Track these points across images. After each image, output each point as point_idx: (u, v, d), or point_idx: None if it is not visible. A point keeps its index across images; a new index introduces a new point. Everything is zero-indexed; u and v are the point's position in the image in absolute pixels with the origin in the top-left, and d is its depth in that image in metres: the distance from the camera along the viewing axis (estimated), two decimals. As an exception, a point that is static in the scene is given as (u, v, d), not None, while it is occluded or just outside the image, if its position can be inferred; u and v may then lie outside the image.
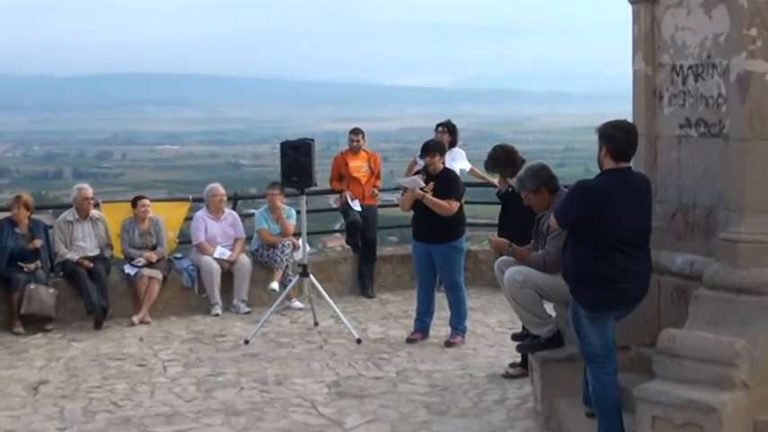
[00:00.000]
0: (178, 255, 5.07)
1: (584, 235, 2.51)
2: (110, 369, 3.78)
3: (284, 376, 3.62)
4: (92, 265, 4.63)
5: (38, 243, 4.56)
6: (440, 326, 4.19)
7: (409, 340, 4.10)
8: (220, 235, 4.99)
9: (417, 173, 4.18)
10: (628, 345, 2.79)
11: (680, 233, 2.85)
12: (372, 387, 3.44)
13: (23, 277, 4.44)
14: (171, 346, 4.15)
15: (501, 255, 3.16)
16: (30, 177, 25.21)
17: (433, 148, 4.05)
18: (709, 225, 2.74)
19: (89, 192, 4.84)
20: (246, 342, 4.13)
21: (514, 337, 3.29)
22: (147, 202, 4.92)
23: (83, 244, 4.73)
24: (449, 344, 4.00)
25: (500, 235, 3.34)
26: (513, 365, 3.56)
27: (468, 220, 4.53)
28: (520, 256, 3.03)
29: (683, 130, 2.84)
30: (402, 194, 4.16)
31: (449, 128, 5.03)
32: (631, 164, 2.61)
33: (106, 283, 4.62)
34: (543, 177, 3.03)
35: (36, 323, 4.44)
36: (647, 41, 2.93)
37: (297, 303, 4.80)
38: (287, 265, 4.90)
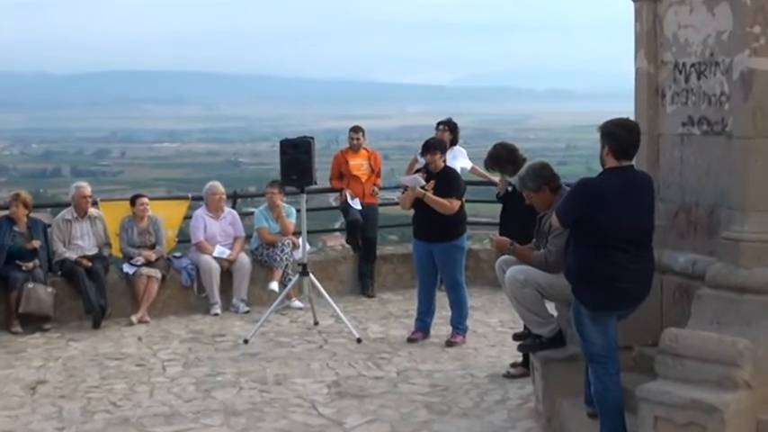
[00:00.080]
0: (177, 254, 5.05)
1: (587, 234, 2.50)
2: (108, 369, 3.76)
3: (284, 376, 3.61)
4: (90, 264, 4.61)
5: (36, 244, 4.55)
6: (441, 325, 4.18)
7: (410, 340, 4.09)
8: (220, 234, 4.98)
9: (418, 171, 4.17)
10: (630, 344, 2.77)
11: (682, 232, 2.83)
12: (373, 387, 3.43)
13: (21, 276, 4.43)
14: (170, 346, 4.14)
15: (502, 254, 3.15)
16: (27, 175, 25.15)
17: (433, 147, 4.04)
18: (711, 224, 2.73)
19: (87, 190, 4.82)
20: (246, 342, 4.12)
21: (516, 336, 3.27)
22: (145, 200, 4.90)
23: (81, 243, 4.71)
24: (450, 343, 3.99)
25: (501, 234, 3.33)
26: (514, 365, 3.55)
27: (470, 219, 4.51)
28: (521, 255, 3.02)
29: (686, 129, 2.83)
30: (402, 193, 4.14)
31: (450, 126, 5.01)
32: (634, 162, 2.59)
33: (105, 282, 4.60)
34: (545, 176, 3.02)
35: (34, 322, 4.42)
36: (650, 39, 2.91)
37: (297, 303, 4.79)
38: (287, 265, 4.88)
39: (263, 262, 4.95)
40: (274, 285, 4.76)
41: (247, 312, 4.74)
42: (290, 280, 4.66)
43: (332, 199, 6.23)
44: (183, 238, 5.16)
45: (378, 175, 5.30)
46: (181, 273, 4.84)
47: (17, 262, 4.47)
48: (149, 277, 4.66)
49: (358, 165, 5.22)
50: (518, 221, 3.29)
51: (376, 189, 5.23)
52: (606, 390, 2.52)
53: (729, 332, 2.39)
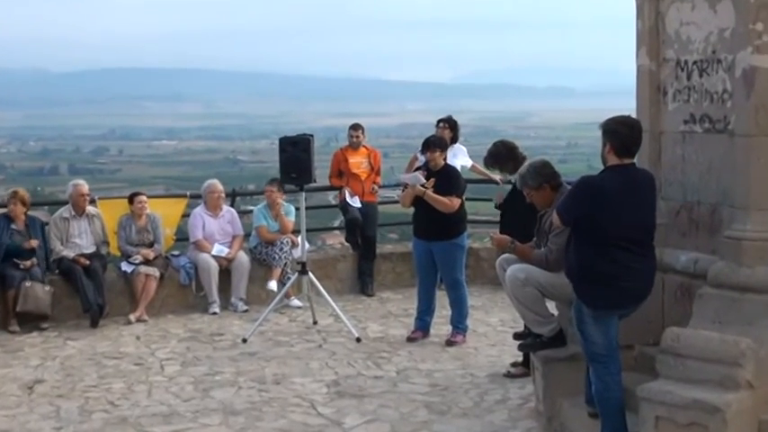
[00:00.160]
0: (175, 252, 5.04)
1: (588, 232, 2.49)
2: (106, 368, 3.75)
3: (283, 375, 3.59)
4: (88, 262, 4.58)
5: (34, 243, 4.52)
6: (441, 324, 4.16)
7: (409, 339, 4.07)
8: (218, 232, 4.95)
9: (418, 169, 4.15)
10: (631, 344, 2.76)
11: (684, 231, 2.82)
12: (372, 386, 3.42)
13: (19, 274, 4.40)
14: (168, 345, 4.12)
15: (503, 252, 3.13)
16: (25, 173, 25.15)
17: (434, 144, 4.01)
18: (713, 222, 2.71)
19: (85, 188, 4.79)
20: (244, 341, 4.10)
21: (516, 335, 3.26)
22: (144, 198, 4.87)
23: (79, 241, 4.69)
24: (450, 343, 3.98)
25: (502, 232, 3.31)
26: (514, 365, 3.54)
27: (470, 217, 4.47)
28: (522, 253, 3.00)
29: (688, 126, 2.81)
30: (402, 191, 4.12)
31: (450, 123, 4.99)
32: (635, 160, 2.58)
33: (102, 280, 4.58)
34: (545, 174, 3.00)
35: (31, 321, 4.40)
36: (652, 36, 2.89)
37: (296, 302, 4.77)
38: (286, 263, 4.86)
39: (262, 260, 4.93)
40: (273, 284, 4.74)
41: (246, 311, 4.72)
42: (288, 279, 4.64)
43: (331, 197, 6.21)
44: (182, 237, 5.14)
45: (377, 173, 5.28)
46: (179, 271, 4.82)
47: (15, 260, 4.45)
48: (147, 276, 4.64)
49: (357, 163, 5.20)
50: (519, 220, 3.27)
51: (375, 187, 5.20)
52: (607, 389, 2.51)
53: (731, 332, 2.38)
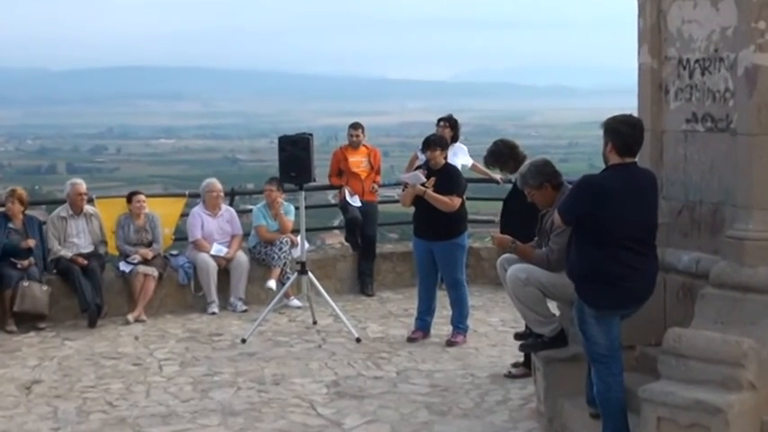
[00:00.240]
0: (174, 252, 5.01)
1: (589, 232, 2.47)
2: (104, 368, 3.73)
3: (282, 376, 3.57)
4: (86, 262, 4.56)
5: (31, 243, 4.49)
6: (441, 325, 4.14)
7: (410, 339, 4.06)
8: (217, 231, 4.93)
9: (418, 168, 4.13)
10: (633, 344, 2.75)
11: (686, 230, 2.80)
12: (372, 387, 3.40)
13: (16, 274, 4.38)
14: (167, 345, 4.10)
15: (504, 252, 3.11)
16: (22, 172, 25.06)
17: (434, 143, 4.00)
18: (715, 222, 2.70)
19: (83, 187, 4.76)
20: (243, 341, 4.08)
21: (517, 336, 3.24)
22: (142, 197, 4.85)
23: (77, 240, 4.66)
24: (450, 343, 3.96)
25: (503, 232, 3.29)
26: (515, 365, 3.52)
27: (470, 217, 4.45)
28: (523, 253, 2.98)
29: (690, 125, 2.80)
30: (403, 190, 4.11)
31: (450, 122, 4.96)
32: (637, 159, 2.56)
33: (101, 280, 4.56)
34: (546, 173, 2.98)
35: (29, 321, 4.38)
36: (653, 34, 2.88)
37: (295, 302, 4.76)
38: (285, 263, 4.84)
39: (261, 260, 4.91)
40: (272, 283, 4.72)
41: (245, 311, 4.70)
42: (288, 278, 4.62)
43: (331, 196, 6.19)
44: (180, 236, 5.12)
45: (377, 173, 5.26)
46: (178, 271, 4.80)
47: (12, 260, 4.42)
48: (146, 275, 4.62)
49: (357, 162, 5.18)
50: (520, 219, 3.25)
51: (375, 186, 5.18)
52: (609, 390, 2.50)
53: (733, 332, 2.37)
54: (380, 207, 5.36)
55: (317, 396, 3.31)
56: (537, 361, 3.02)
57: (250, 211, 5.25)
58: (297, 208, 4.67)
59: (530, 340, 3.05)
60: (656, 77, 2.88)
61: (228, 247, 4.89)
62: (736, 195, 2.57)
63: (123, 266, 4.67)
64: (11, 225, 4.54)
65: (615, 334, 2.51)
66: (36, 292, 4.37)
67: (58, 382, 3.54)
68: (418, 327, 4.10)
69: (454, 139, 4.93)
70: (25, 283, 4.35)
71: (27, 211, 4.65)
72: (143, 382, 3.52)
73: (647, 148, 2.74)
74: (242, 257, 4.87)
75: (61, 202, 4.85)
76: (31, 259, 4.46)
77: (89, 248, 4.67)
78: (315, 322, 4.39)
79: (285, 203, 4.98)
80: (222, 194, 5.04)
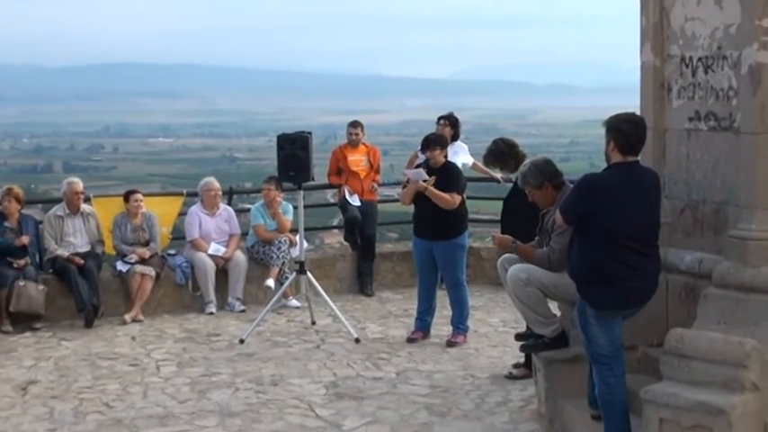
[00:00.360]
0: (171, 251, 4.98)
1: (591, 231, 2.46)
2: (101, 369, 3.70)
3: (280, 377, 3.55)
4: (82, 261, 4.53)
5: (25, 240, 4.46)
6: (441, 325, 4.12)
7: (409, 340, 4.03)
8: (215, 231, 4.90)
9: (419, 166, 4.09)
10: (634, 345, 2.73)
11: (689, 230, 2.79)
12: (371, 388, 3.38)
13: (12, 273, 4.35)
14: (164, 346, 4.07)
15: (504, 252, 3.10)
16: (18, 171, 25.00)
17: (434, 142, 3.97)
18: (718, 222, 2.68)
19: (79, 186, 4.73)
20: (241, 341, 4.05)
21: (518, 336, 3.22)
22: (139, 196, 4.82)
23: (73, 240, 4.63)
24: (450, 344, 3.94)
25: (503, 231, 3.27)
26: (516, 366, 3.51)
27: (471, 216, 4.42)
28: (524, 253, 2.97)
29: (693, 124, 2.78)
30: (403, 188, 4.08)
31: (451, 121, 4.93)
32: (639, 158, 2.53)
33: (97, 280, 4.53)
34: (547, 172, 2.97)
35: (25, 321, 4.35)
36: (656, 32, 2.86)
37: (293, 302, 4.73)
38: (283, 262, 4.82)
39: (260, 260, 4.88)
40: (271, 282, 4.69)
41: (243, 311, 4.68)
42: (286, 278, 4.59)
43: (330, 195, 6.16)
44: (178, 236, 5.09)
45: (377, 172, 5.23)
46: (175, 271, 4.76)
47: (8, 259, 4.39)
48: (143, 275, 4.59)
49: (357, 160, 5.15)
50: (520, 219, 3.23)
51: (375, 185, 5.16)
52: (611, 391, 2.48)
53: (736, 333, 2.35)
54: (380, 206, 5.34)
55: (316, 397, 3.29)
56: (538, 362, 3.00)
57: (248, 210, 5.22)
58: (295, 207, 4.63)
59: (531, 341, 3.03)
60: (658, 75, 2.86)
61: (226, 246, 4.86)
62: (740, 195, 2.56)
63: (120, 266, 4.64)
64: (6, 224, 4.51)
65: (617, 334, 2.49)
66: (32, 291, 4.34)
67: (55, 382, 3.52)
68: (418, 327, 4.08)
69: (455, 137, 4.91)
70: (21, 283, 4.32)
71: (23, 210, 4.62)
72: (140, 383, 3.49)
73: (649, 147, 2.71)
74: (240, 257, 4.85)
75: (58, 201, 4.82)
76: (27, 259, 4.44)
77: (86, 248, 4.64)
78: (313, 322, 4.37)
79: (284, 203, 4.95)
80: (220, 193, 5.02)
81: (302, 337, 4.17)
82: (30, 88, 68.33)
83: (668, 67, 2.84)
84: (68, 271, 4.47)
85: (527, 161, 3.22)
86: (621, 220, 2.41)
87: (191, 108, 58.74)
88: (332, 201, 5.81)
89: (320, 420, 3.05)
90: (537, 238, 3.01)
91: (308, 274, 4.27)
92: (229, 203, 5.21)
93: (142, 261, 4.63)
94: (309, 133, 4.19)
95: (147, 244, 4.74)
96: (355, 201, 5.08)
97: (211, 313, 4.66)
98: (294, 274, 4.39)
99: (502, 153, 3.53)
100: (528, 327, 3.08)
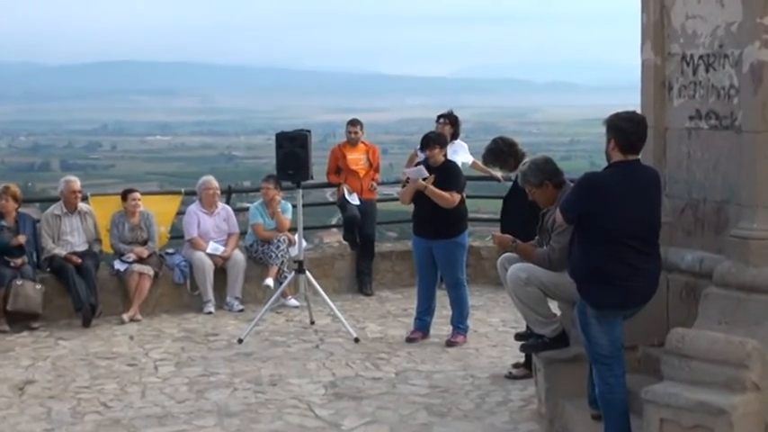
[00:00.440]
0: (170, 250, 4.96)
1: (591, 230, 2.45)
2: (99, 369, 3.69)
3: (279, 376, 3.54)
4: (80, 260, 4.51)
5: (21, 239, 4.44)
6: (441, 325, 4.10)
7: (409, 340, 4.02)
8: (213, 230, 4.88)
9: (418, 165, 4.07)
10: (635, 345, 2.72)
11: (689, 229, 2.77)
12: (371, 388, 3.37)
13: (9, 273, 4.32)
14: (162, 345, 4.05)
15: (504, 251, 3.08)
16: (15, 169, 24.95)
17: (433, 141, 3.96)
18: (719, 221, 2.67)
19: (77, 184, 4.71)
20: (240, 341, 4.04)
21: (518, 336, 3.21)
22: (137, 195, 4.80)
23: (71, 239, 4.61)
24: (450, 343, 3.92)
25: (503, 231, 3.26)
26: (516, 366, 3.49)
27: (471, 215, 4.40)
28: (524, 252, 2.95)
29: (694, 123, 2.76)
30: (402, 187, 4.06)
31: (450, 119, 4.91)
32: (640, 157, 2.52)
33: (95, 279, 4.51)
34: (548, 171, 2.95)
35: (22, 320, 4.33)
36: (657, 30, 2.84)
37: (292, 301, 4.71)
38: (282, 262, 4.80)
39: (258, 259, 4.87)
40: (270, 281, 4.68)
41: (241, 311, 4.66)
42: (285, 278, 4.58)
43: (329, 194, 6.15)
44: (176, 235, 5.08)
45: (376, 170, 5.21)
46: (173, 270, 4.75)
47: (5, 258, 4.36)
48: (141, 274, 4.57)
49: (356, 159, 5.13)
50: (520, 218, 3.21)
51: (374, 184, 5.14)
52: (611, 391, 2.47)
53: (737, 332, 2.34)
54: (379, 205, 5.32)
55: (315, 397, 3.27)
56: (538, 362, 2.98)
57: (247, 209, 5.19)
58: (294, 206, 4.60)
59: (531, 341, 3.02)
60: (659, 74, 2.84)
61: (225, 245, 4.85)
62: (741, 194, 2.55)
63: (118, 265, 4.62)
64: (3, 222, 4.48)
65: (617, 334, 2.48)
66: (29, 290, 4.31)
67: (52, 382, 3.50)
68: (417, 327, 4.06)
69: (454, 136, 4.89)
70: (18, 282, 4.30)
71: (20, 209, 4.59)
72: (138, 383, 3.47)
73: (650, 146, 2.70)
74: (239, 256, 4.83)
75: (55, 199, 4.80)
76: (25, 258, 4.41)
77: (83, 247, 4.62)
78: (312, 322, 4.35)
79: (282, 201, 4.93)
80: (219, 192, 5.00)
81: (301, 337, 4.16)
82: (28, 86, 68.17)
83: (669, 65, 2.83)
84: (66, 270, 4.45)
85: (527, 160, 3.21)
86: (622, 219, 2.40)
87: (189, 106, 58.66)
88: (331, 199, 5.78)
89: (319, 420, 3.04)
90: (537, 237, 3.00)
91: (307, 273, 4.25)
92: (228, 202, 5.20)
93: (140, 260, 4.61)
94: (308, 131, 4.17)
95: (145, 243, 4.72)
96: (354, 199, 5.06)
97: (210, 313, 4.64)
98: (293, 273, 4.37)
99: (501, 152, 3.51)
100: (528, 326, 3.07)
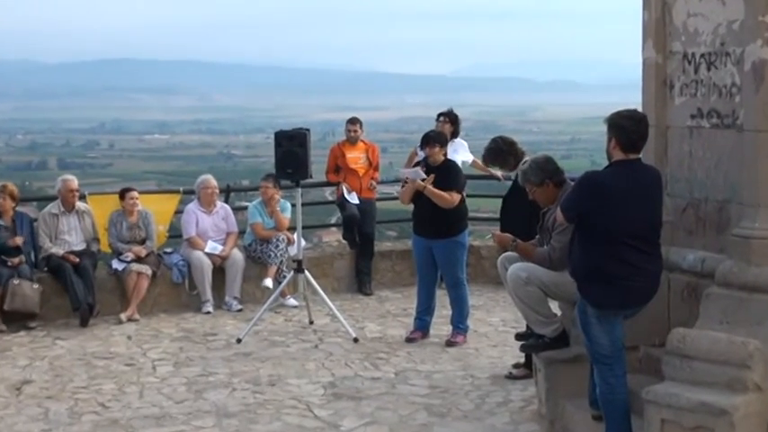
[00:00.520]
0: (168, 249, 4.95)
1: (592, 230, 2.43)
2: (96, 368, 3.67)
3: (278, 377, 3.52)
4: (78, 259, 4.49)
5: (18, 240, 4.41)
6: (440, 324, 4.09)
7: (408, 339, 4.00)
8: (212, 229, 4.86)
9: (417, 164, 4.06)
10: (636, 345, 2.71)
11: (691, 228, 2.76)
12: (370, 388, 3.35)
13: (6, 272, 4.30)
14: (160, 345, 4.04)
15: (504, 250, 3.07)
16: (12, 168, 24.80)
17: (433, 139, 3.94)
18: (721, 220, 2.66)
19: (74, 183, 4.69)
20: (239, 341, 4.02)
21: (518, 336, 3.20)
22: (135, 194, 4.78)
23: (68, 238, 4.59)
24: (450, 343, 3.91)
25: (503, 230, 3.24)
26: (516, 366, 3.48)
27: (471, 215, 4.37)
28: (524, 251, 2.94)
29: (695, 121, 2.75)
30: (402, 187, 4.04)
31: (450, 118, 4.89)
32: (641, 155, 2.51)
33: (93, 278, 4.48)
34: (548, 170, 2.94)
35: (19, 320, 4.31)
36: (658, 28, 2.83)
37: (291, 301, 4.70)
38: (281, 261, 4.79)
39: (257, 258, 4.85)
40: (269, 281, 4.66)
41: (240, 311, 4.64)
42: (284, 277, 4.56)
43: (328, 193, 6.14)
44: (175, 234, 5.06)
45: (376, 169, 5.19)
46: (172, 269, 4.73)
47: (2, 257, 4.34)
48: (139, 274, 4.55)
49: (355, 158, 5.11)
50: (521, 217, 3.20)
51: (374, 183, 5.12)
52: (612, 392, 2.46)
53: (739, 332, 2.34)
54: (379, 204, 5.30)
55: (314, 397, 3.26)
56: (538, 362, 2.97)
57: (246, 208, 5.17)
58: (293, 205, 4.59)
59: (531, 341, 3.01)
60: (660, 72, 2.83)
61: (224, 244, 4.83)
62: (743, 193, 2.54)
63: (116, 264, 4.60)
64: (0, 222, 4.46)
65: (618, 334, 2.47)
66: (26, 290, 4.29)
67: (49, 382, 3.48)
68: (417, 327, 4.05)
69: (455, 134, 4.87)
70: (15, 281, 4.28)
71: (17, 208, 4.57)
72: (136, 383, 3.46)
73: (651, 145, 2.69)
74: (237, 255, 4.81)
75: (52, 198, 4.77)
76: (22, 257, 4.39)
77: (81, 246, 4.60)
78: (311, 322, 4.34)
79: (282, 200, 4.91)
80: (217, 191, 4.98)
81: (300, 337, 4.14)
82: (26, 84, 67.99)
83: (670, 63, 2.81)
84: (63, 269, 4.43)
85: (528, 158, 3.20)
86: (623, 218, 2.39)
87: (188, 104, 58.54)
88: (330, 198, 5.78)
89: (318, 421, 3.03)
90: (537, 236, 2.98)
91: (306, 272, 4.23)
92: (227, 201, 5.18)
93: (138, 259, 4.59)
94: (307, 130, 4.15)
95: (143, 242, 4.70)
96: (354, 198, 5.04)
97: (208, 312, 4.62)
98: (292, 272, 4.36)
99: (501, 151, 3.50)
100: (528, 326, 3.06)
